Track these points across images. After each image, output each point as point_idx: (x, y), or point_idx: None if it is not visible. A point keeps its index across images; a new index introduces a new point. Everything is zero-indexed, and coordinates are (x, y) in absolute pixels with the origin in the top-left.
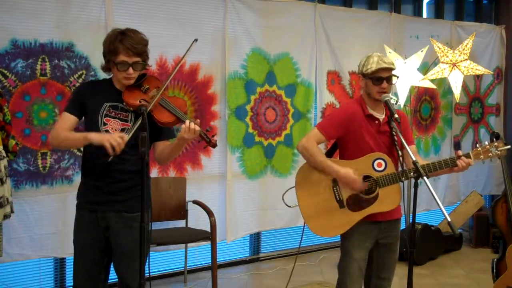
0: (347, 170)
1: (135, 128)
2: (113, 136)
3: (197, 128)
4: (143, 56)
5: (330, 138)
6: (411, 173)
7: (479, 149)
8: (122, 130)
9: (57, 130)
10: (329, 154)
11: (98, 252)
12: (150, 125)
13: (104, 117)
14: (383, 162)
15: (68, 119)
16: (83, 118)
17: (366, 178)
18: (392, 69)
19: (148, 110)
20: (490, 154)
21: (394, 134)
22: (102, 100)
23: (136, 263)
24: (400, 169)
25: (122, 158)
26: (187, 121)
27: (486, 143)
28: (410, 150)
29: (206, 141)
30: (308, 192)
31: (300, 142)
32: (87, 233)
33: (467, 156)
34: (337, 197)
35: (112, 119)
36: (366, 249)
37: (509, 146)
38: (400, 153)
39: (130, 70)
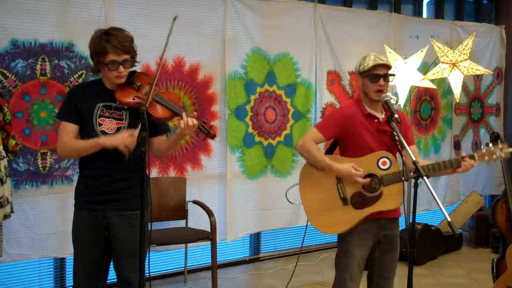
0: (347, 166)
1: (138, 129)
2: (123, 136)
3: (195, 122)
4: (131, 53)
5: (329, 137)
6: (412, 173)
7: (484, 150)
8: (118, 129)
9: (66, 142)
10: (329, 151)
11: (98, 251)
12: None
13: (99, 118)
14: (388, 161)
15: (71, 129)
16: None
17: (370, 176)
18: (389, 67)
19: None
20: (495, 156)
21: (395, 134)
22: (94, 101)
23: (138, 261)
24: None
25: (123, 157)
26: (184, 116)
27: (491, 144)
28: (410, 150)
29: (205, 133)
30: (312, 187)
31: (298, 142)
32: (87, 233)
33: (471, 157)
34: (341, 194)
35: (107, 119)
36: (367, 247)
37: None
38: (401, 152)
39: (121, 68)
